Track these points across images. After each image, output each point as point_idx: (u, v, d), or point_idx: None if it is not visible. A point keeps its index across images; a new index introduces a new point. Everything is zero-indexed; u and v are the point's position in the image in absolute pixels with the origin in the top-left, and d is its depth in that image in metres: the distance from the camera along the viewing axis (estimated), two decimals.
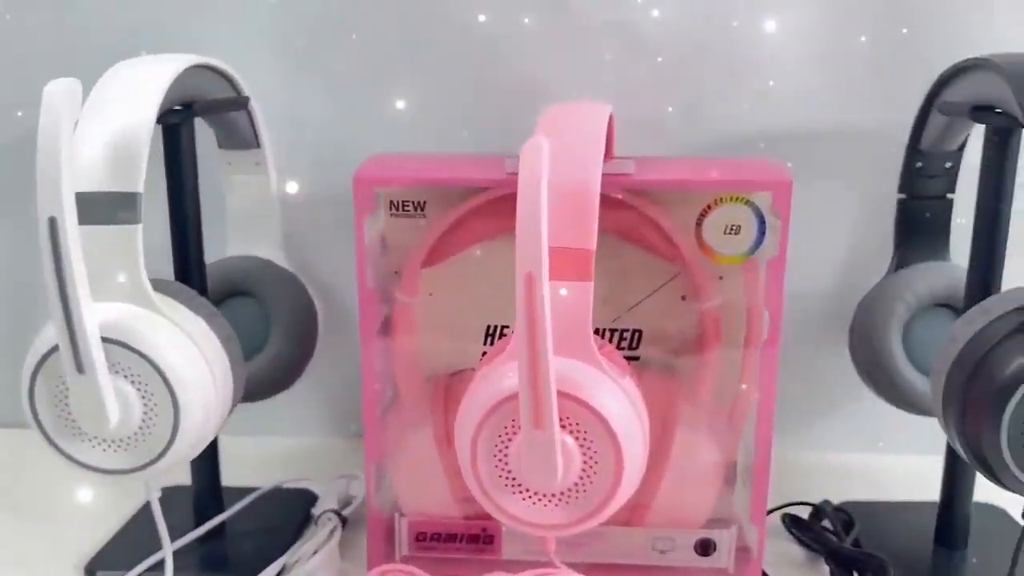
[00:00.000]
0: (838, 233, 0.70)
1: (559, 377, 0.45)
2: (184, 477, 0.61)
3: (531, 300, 0.44)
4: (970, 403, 0.46)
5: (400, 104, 0.68)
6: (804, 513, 0.62)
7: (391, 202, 0.53)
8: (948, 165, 0.62)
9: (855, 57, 0.67)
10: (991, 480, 0.46)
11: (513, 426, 0.46)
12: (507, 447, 0.46)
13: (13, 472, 0.69)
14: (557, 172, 0.47)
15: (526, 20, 0.66)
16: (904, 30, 0.66)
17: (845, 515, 0.61)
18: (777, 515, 0.62)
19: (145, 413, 0.46)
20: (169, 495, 0.62)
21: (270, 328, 0.63)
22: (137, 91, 0.48)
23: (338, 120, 0.69)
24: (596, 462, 0.46)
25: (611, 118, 0.58)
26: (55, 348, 0.44)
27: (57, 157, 0.41)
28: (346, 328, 0.63)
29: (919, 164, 0.62)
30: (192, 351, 0.47)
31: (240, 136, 0.63)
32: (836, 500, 0.64)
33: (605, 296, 0.55)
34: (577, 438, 0.46)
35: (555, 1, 0.66)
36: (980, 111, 0.50)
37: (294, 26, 0.68)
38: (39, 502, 0.65)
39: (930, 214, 0.63)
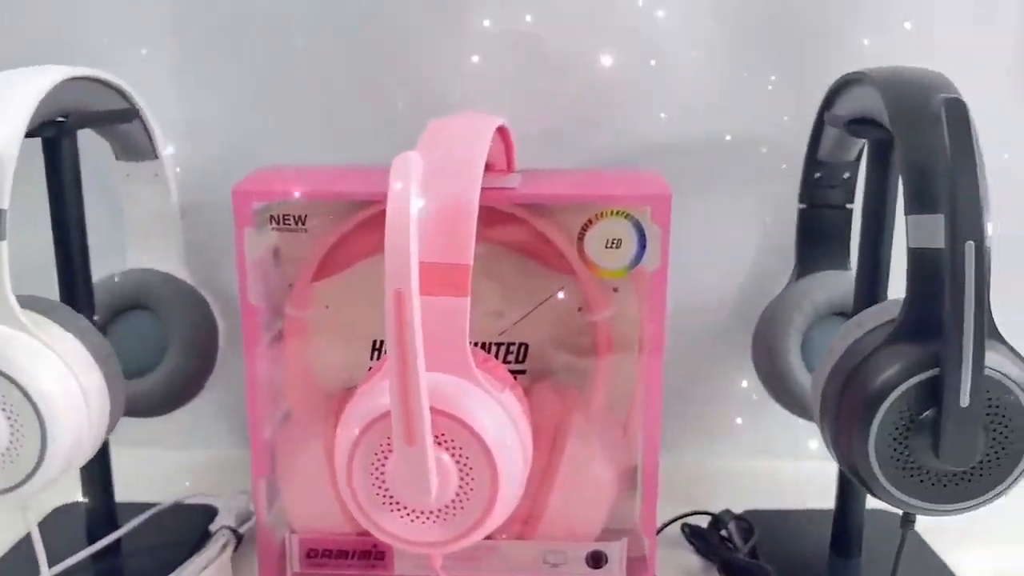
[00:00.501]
0: (745, 242, 0.70)
1: (433, 393, 0.45)
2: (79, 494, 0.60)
3: (400, 317, 0.43)
4: (841, 415, 0.46)
5: (301, 114, 0.67)
6: (706, 522, 0.63)
7: (271, 216, 0.52)
8: (846, 176, 0.62)
9: (757, 68, 0.67)
10: (865, 490, 0.47)
11: (389, 443, 0.46)
12: (383, 465, 0.46)
13: None
14: (434, 186, 0.47)
15: (427, 29, 0.66)
16: (803, 42, 0.66)
17: (746, 524, 0.62)
18: (680, 524, 0.62)
19: (12, 434, 0.45)
20: (65, 512, 0.62)
21: (168, 342, 0.62)
22: (4, 104, 0.47)
23: (238, 130, 0.68)
24: (472, 479, 0.46)
25: (506, 131, 0.58)
26: None
27: None
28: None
29: (818, 174, 0.63)
30: (61, 370, 0.46)
31: (136, 147, 0.62)
32: (742, 508, 0.64)
33: (496, 309, 0.56)
34: (453, 455, 0.46)
35: (457, 10, 0.66)
36: (857, 124, 0.51)
37: (194, 38, 0.67)
38: None
39: (830, 224, 0.64)
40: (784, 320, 0.61)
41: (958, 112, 0.42)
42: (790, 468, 0.71)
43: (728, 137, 0.68)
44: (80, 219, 0.54)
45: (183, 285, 0.63)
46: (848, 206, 0.63)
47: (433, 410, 0.45)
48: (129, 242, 0.65)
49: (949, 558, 0.59)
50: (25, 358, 0.45)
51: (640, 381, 0.54)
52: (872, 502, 0.58)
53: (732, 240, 0.70)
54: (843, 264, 0.64)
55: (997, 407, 0.43)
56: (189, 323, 0.62)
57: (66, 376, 0.46)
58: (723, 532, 0.61)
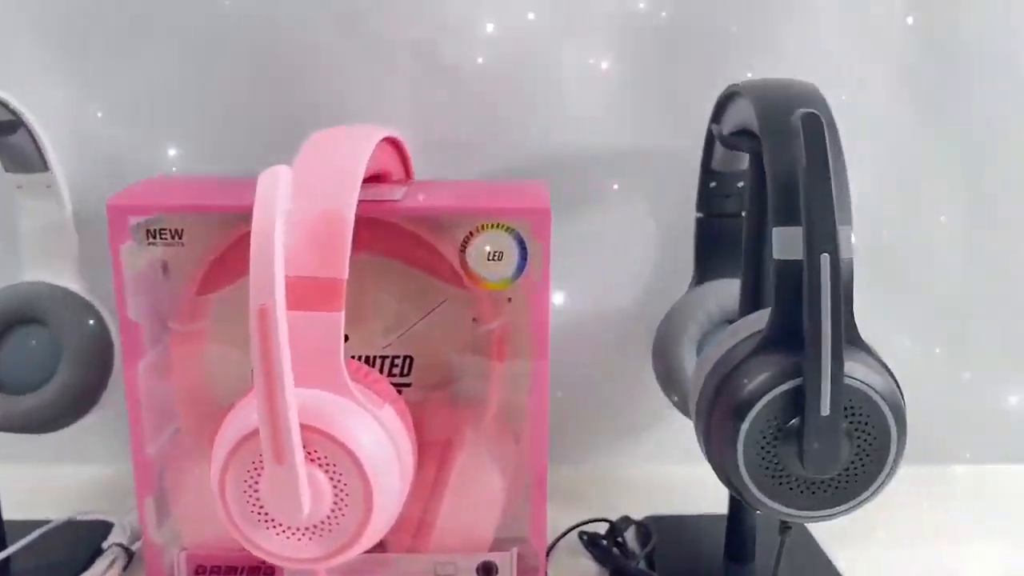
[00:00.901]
0: (647, 252, 0.71)
1: (304, 410, 0.45)
2: None
3: (265, 335, 0.43)
4: (712, 424, 0.46)
5: (194, 122, 0.67)
6: (605, 529, 0.63)
7: (148, 230, 0.52)
8: (740, 185, 0.63)
9: (657, 80, 0.68)
10: (739, 498, 0.47)
11: (261, 461, 0.45)
12: (257, 482, 0.46)
13: None
14: (308, 200, 0.46)
15: (326, 38, 0.65)
16: (700, 52, 0.67)
17: (644, 530, 0.62)
18: (576, 537, 0.63)
19: None
20: None
21: (60, 356, 0.61)
22: None
23: (127, 139, 0.67)
24: (347, 494, 0.46)
25: (399, 142, 0.58)
26: None
27: None
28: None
29: (713, 184, 0.64)
30: None
31: (26, 159, 0.61)
32: (645, 513, 0.65)
33: (384, 322, 0.55)
34: (326, 471, 0.45)
35: (354, 18, 0.66)
36: (737, 136, 0.52)
37: (81, 45, 0.66)
38: None
39: (725, 232, 0.64)
40: (678, 329, 0.62)
41: (814, 126, 0.42)
42: (693, 473, 0.71)
43: (633, 148, 0.68)
44: None
45: (75, 298, 0.62)
46: (743, 214, 0.64)
47: (304, 426, 0.45)
48: (24, 255, 0.64)
49: (840, 557, 0.60)
50: None
51: (530, 391, 0.55)
52: None
53: (637, 249, 0.70)
54: (738, 272, 0.64)
55: (859, 415, 0.44)
56: (82, 336, 0.61)
57: None
58: (620, 539, 0.61)
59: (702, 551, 0.61)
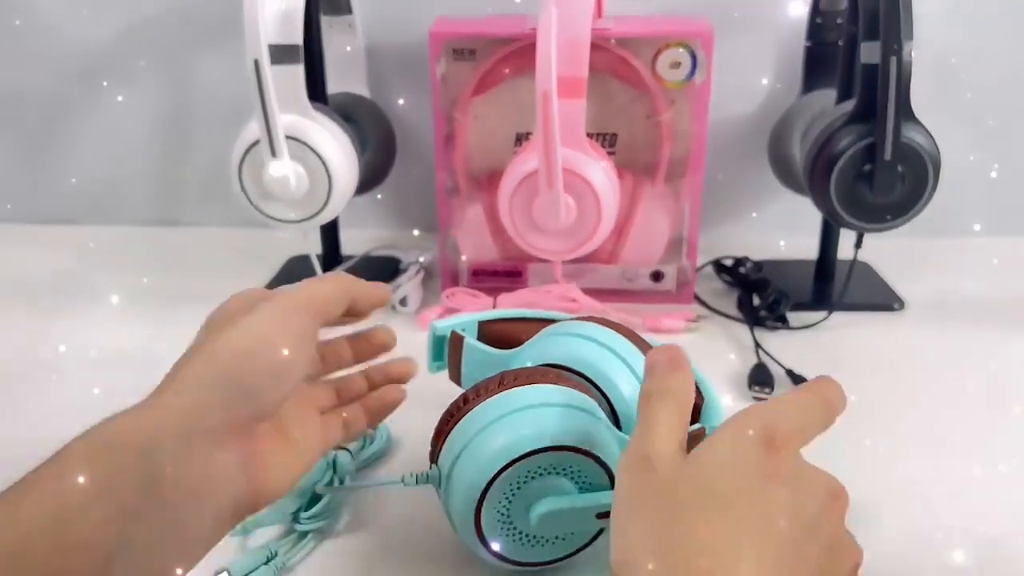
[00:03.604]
0: (765, 74, 0.96)
1: (562, 159, 0.73)
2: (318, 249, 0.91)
3: (546, 109, 0.71)
4: (815, 171, 0.74)
5: None
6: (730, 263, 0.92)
7: (453, 50, 0.80)
8: (839, 21, 0.87)
9: None
10: (834, 222, 0.75)
11: (535, 190, 0.75)
12: (532, 203, 0.75)
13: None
14: (562, 26, 0.73)
15: None
16: None
17: (758, 265, 0.91)
18: (712, 267, 0.92)
19: (310, 184, 0.75)
20: (296, 260, 0.93)
21: (366, 142, 0.90)
22: None
23: None
24: (586, 211, 0.75)
25: None
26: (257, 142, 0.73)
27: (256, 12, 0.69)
28: (413, 146, 0.93)
29: (819, 20, 0.88)
30: (335, 144, 0.76)
31: (337, 3, 0.89)
32: (758, 258, 0.93)
33: (594, 112, 0.83)
34: (574, 197, 0.75)
35: None
36: None
37: None
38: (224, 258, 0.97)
39: (826, 56, 0.89)
40: (789, 123, 0.88)
41: None
42: (792, 239, 0.99)
43: None
44: (320, 54, 0.82)
45: (371, 103, 0.92)
46: (839, 43, 0.88)
47: (563, 169, 0.74)
48: (330, 74, 0.93)
49: (897, 286, 0.88)
50: (318, 135, 0.74)
51: (689, 163, 0.82)
52: (840, 254, 0.87)
53: (761, 71, 0.95)
54: (834, 86, 0.89)
55: (909, 161, 0.71)
56: (378, 128, 0.91)
57: (337, 148, 0.76)
58: (741, 269, 0.90)
59: (798, 277, 0.89)
